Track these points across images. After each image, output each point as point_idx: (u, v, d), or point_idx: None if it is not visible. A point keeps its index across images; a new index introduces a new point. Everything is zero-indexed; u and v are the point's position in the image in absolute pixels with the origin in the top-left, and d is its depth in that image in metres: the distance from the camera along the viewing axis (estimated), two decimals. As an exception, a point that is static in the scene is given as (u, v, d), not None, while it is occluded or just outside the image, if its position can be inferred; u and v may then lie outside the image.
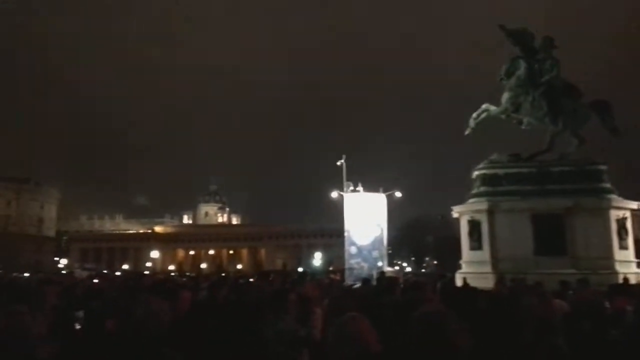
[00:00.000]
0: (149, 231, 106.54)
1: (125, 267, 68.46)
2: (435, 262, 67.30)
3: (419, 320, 2.46)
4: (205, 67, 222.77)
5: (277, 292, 6.03)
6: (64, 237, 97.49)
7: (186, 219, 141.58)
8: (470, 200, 19.30)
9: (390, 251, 29.72)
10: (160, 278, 16.61)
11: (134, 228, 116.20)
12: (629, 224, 17.53)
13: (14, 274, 28.37)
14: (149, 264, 76.30)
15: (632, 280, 14.06)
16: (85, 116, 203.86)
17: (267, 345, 4.66)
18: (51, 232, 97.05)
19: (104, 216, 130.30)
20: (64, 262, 74.98)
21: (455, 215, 20.15)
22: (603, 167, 18.35)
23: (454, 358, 2.27)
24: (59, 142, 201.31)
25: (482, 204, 18.28)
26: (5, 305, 3.19)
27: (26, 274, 27.49)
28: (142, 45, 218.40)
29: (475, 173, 19.66)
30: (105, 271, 47.90)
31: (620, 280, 12.40)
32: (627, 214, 17.68)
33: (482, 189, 19.03)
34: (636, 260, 17.76)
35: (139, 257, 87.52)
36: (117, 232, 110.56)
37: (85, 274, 31.64)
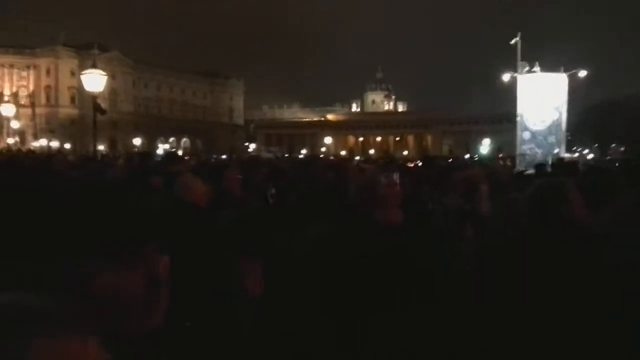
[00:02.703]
0: (322, 119, 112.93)
1: (303, 151, 74.90)
2: (622, 148, 59.52)
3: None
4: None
5: (442, 170, 6.51)
6: (251, 125, 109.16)
7: (355, 107, 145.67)
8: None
9: (569, 137, 27.29)
10: (333, 161, 18.29)
11: (308, 116, 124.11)
12: None
13: (214, 156, 33.47)
14: (323, 149, 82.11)
15: None
16: (261, 9, 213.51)
17: (430, 218, 5.14)
18: (240, 121, 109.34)
19: (282, 105, 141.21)
20: (252, 146, 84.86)
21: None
22: None
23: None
24: (239, 33, 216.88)
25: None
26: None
27: (223, 156, 32.28)
28: None
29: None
30: (286, 155, 53.38)
31: None
32: None
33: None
34: None
35: (314, 143, 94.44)
36: (295, 119, 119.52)
37: (270, 155, 36.07)
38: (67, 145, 64.44)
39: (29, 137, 70.72)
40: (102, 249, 0.77)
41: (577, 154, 45.37)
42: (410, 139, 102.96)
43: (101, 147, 54.30)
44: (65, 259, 0.77)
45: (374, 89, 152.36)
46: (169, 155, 8.11)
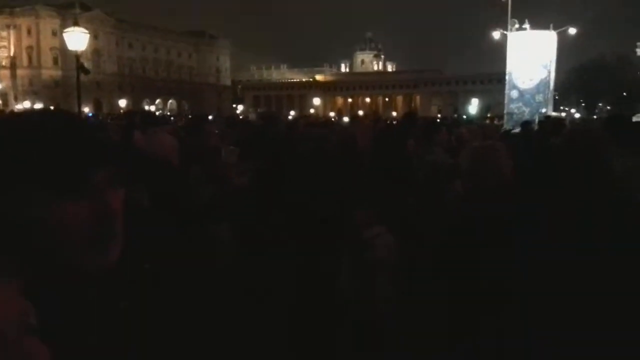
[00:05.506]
0: (311, 80, 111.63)
1: (292, 112, 74.36)
2: (608, 107, 59.87)
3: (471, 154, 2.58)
4: None
5: (427, 126, 6.56)
6: (239, 86, 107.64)
7: (344, 68, 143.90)
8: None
9: (556, 96, 27.40)
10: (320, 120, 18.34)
11: (296, 77, 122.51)
12: None
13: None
14: (312, 110, 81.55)
15: None
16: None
17: (416, 173, 5.21)
18: (227, 82, 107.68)
19: (270, 66, 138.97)
20: (240, 107, 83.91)
21: (640, 53, 17.63)
22: None
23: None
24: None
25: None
26: None
27: (210, 117, 31.85)
28: None
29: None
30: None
31: None
32: None
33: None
34: None
35: (303, 104, 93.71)
36: (283, 80, 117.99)
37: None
38: (51, 107, 63.16)
39: (11, 99, 69.15)
40: (43, 175, 0.67)
41: (564, 113, 45.56)
42: (399, 99, 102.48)
43: (86, 109, 53.35)
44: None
45: (363, 49, 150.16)
46: (145, 115, 7.99)
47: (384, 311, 3.22)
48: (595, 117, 44.66)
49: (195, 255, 2.21)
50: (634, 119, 17.11)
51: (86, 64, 19.12)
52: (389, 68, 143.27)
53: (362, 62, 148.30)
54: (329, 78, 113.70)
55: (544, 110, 20.89)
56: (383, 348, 3.15)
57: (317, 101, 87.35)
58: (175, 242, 1.92)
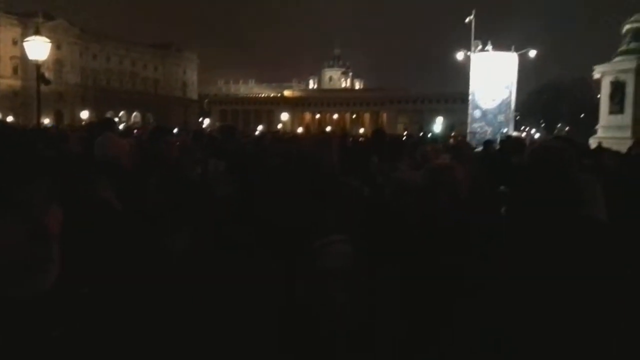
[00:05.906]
0: (279, 95, 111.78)
1: (259, 127, 74.04)
2: (567, 128, 62.33)
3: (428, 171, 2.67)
4: None
5: (393, 141, 6.60)
6: (206, 100, 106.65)
7: (312, 84, 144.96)
8: (616, 59, 17.44)
9: (517, 116, 28.28)
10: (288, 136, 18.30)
11: (264, 92, 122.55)
12: None
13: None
14: (279, 126, 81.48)
15: None
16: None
17: (382, 190, 5.23)
18: (194, 95, 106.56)
19: (238, 81, 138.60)
20: (207, 121, 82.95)
21: (596, 75, 18.49)
22: None
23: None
24: (194, 7, 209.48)
25: (630, 62, 16.46)
26: None
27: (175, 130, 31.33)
28: None
29: (626, 27, 17.37)
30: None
31: None
32: None
33: (632, 45, 16.96)
34: None
35: (271, 119, 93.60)
36: (251, 95, 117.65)
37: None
38: (10, 118, 61.00)
39: (-34, 109, 66.37)
40: None
41: (524, 133, 47.07)
42: (366, 116, 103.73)
43: (46, 120, 51.79)
44: None
45: (331, 66, 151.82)
46: (102, 121, 7.68)
47: (340, 318, 3.22)
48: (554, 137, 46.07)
49: (146, 263, 2.10)
50: (591, 139, 17.85)
51: (47, 74, 18.60)
52: (357, 85, 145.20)
53: (331, 78, 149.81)
54: (297, 94, 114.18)
55: (505, 130, 21.48)
56: (341, 353, 3.13)
57: (285, 117, 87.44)
58: (127, 248, 1.81)
